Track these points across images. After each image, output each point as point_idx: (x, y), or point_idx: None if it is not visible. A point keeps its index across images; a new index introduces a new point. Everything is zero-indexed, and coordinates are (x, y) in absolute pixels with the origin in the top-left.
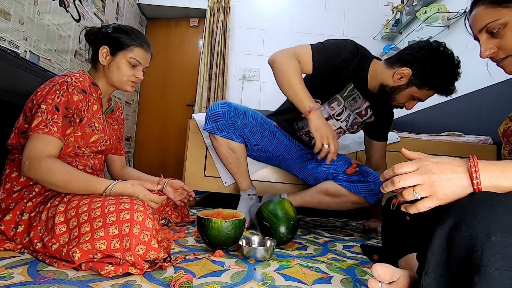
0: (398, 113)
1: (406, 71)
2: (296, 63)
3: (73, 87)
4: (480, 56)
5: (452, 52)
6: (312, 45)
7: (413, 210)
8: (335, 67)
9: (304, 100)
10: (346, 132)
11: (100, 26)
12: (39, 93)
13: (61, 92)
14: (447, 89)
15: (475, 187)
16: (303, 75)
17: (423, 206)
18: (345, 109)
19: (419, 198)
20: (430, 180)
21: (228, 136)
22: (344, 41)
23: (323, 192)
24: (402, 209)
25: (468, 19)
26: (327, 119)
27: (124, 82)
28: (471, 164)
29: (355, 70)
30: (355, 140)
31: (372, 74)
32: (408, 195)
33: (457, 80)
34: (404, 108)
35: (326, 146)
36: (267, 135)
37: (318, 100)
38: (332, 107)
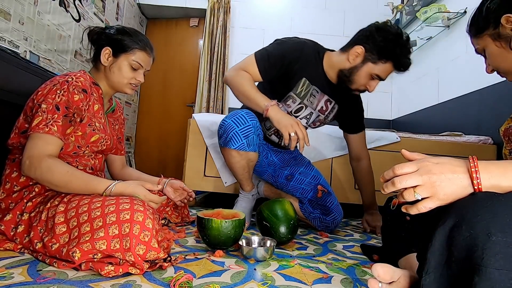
0: (398, 113)
1: (359, 49)
2: (246, 74)
3: (73, 87)
4: (486, 72)
5: (400, 28)
6: (256, 54)
7: (413, 210)
8: (282, 68)
9: (259, 101)
10: (308, 128)
11: (104, 26)
12: (39, 92)
13: (62, 92)
14: (403, 62)
15: (475, 187)
16: (256, 83)
17: (423, 207)
18: (305, 107)
19: (420, 198)
20: (431, 180)
21: (253, 149)
22: (288, 40)
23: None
24: (403, 209)
25: None
26: None
27: (124, 85)
28: (471, 165)
29: (304, 66)
30: None
31: (328, 65)
32: (409, 196)
33: (410, 53)
34: (367, 91)
35: (292, 134)
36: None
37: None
38: (288, 104)
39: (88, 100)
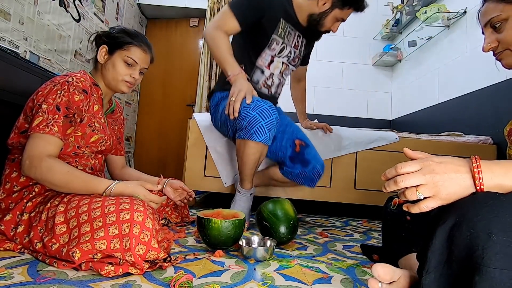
0: (398, 113)
1: None
2: (222, 36)
3: (74, 87)
4: (482, 50)
5: None
6: (230, 4)
7: (415, 210)
8: (260, 10)
9: (228, 68)
10: (289, 66)
11: (107, 30)
12: (40, 92)
13: (62, 92)
14: (361, 5)
15: (477, 187)
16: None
17: (426, 206)
18: (286, 46)
19: (422, 198)
20: (434, 180)
21: (270, 143)
22: None
23: (271, 178)
24: (404, 208)
25: (478, 14)
26: (271, 61)
27: (119, 82)
28: (474, 165)
29: (280, 8)
30: (354, 141)
31: (297, 8)
32: (411, 195)
33: None
34: (331, 32)
35: (233, 99)
36: None
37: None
38: (273, 48)
39: (88, 100)
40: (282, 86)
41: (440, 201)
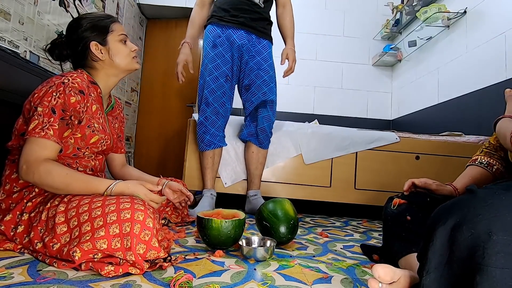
0: (398, 113)
1: None
2: (194, 10)
3: (70, 89)
4: None
5: None
6: None
7: None
8: None
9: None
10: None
11: (58, 36)
12: (36, 94)
13: (58, 94)
14: None
15: None
16: None
17: None
18: None
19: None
20: None
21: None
22: None
23: (260, 162)
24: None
25: None
26: None
27: (129, 62)
28: None
29: None
30: (354, 141)
31: None
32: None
33: None
34: None
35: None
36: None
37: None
38: None
39: (86, 101)
40: None
41: None
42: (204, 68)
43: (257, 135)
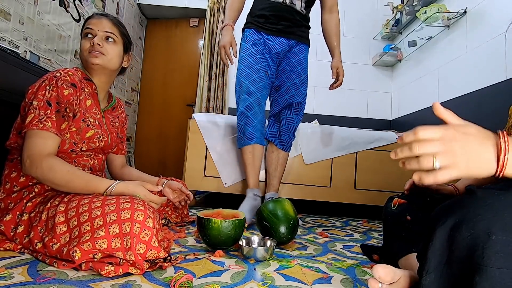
0: (398, 113)
1: None
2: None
3: (62, 81)
4: None
5: None
6: None
7: (429, 180)
8: None
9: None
10: (303, 4)
11: None
12: (30, 90)
13: (51, 87)
14: None
15: (500, 164)
16: None
17: (442, 176)
18: None
19: (438, 167)
20: (453, 148)
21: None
22: None
23: (279, 163)
24: (415, 176)
25: None
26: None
27: (86, 57)
28: (501, 139)
29: None
30: (354, 141)
31: None
32: (427, 163)
33: None
34: None
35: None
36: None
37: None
38: None
39: (78, 94)
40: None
41: (459, 172)
42: (241, 62)
43: (279, 136)
